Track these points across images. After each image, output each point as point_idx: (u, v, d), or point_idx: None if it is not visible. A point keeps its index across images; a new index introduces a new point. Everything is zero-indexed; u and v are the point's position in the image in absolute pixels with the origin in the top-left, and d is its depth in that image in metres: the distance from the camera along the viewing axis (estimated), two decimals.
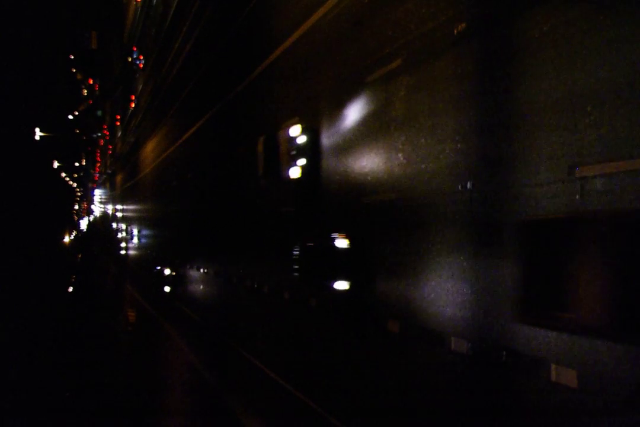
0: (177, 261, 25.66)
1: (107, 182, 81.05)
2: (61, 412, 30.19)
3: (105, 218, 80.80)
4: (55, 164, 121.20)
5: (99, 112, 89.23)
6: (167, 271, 25.25)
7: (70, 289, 77.60)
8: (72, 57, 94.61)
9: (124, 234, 50.44)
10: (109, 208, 74.98)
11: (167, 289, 25.22)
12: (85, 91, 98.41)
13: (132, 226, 45.01)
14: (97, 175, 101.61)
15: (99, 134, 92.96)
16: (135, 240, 41.41)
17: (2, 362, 39.03)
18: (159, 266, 27.75)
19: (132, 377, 28.18)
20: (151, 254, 34.75)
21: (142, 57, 42.87)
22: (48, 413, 30.37)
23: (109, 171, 74.44)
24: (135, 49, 46.37)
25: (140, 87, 43.28)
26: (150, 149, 37.37)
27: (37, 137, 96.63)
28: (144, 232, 39.15)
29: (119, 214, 58.54)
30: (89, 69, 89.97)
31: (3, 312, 51.38)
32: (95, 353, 37.73)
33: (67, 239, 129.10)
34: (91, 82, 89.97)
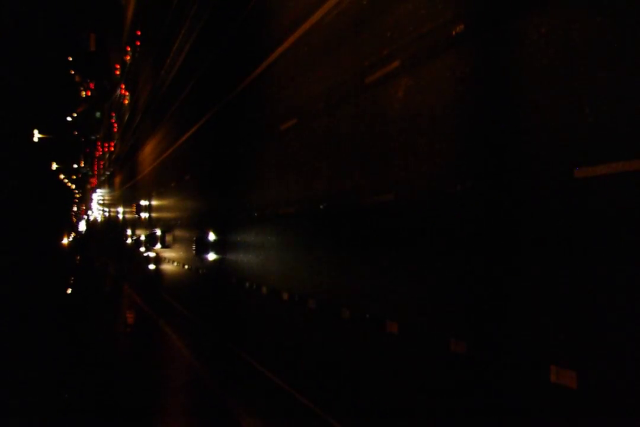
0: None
1: (105, 183, 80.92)
2: (60, 412, 30.27)
3: (112, 223, 65.34)
4: (54, 166, 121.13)
5: (98, 114, 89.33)
6: None
7: (69, 290, 77.56)
8: (71, 58, 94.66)
9: (158, 246, 29.28)
10: (119, 210, 56.24)
11: None
12: (84, 93, 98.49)
13: (203, 232, 20.12)
14: (96, 178, 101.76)
15: (97, 136, 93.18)
16: (210, 256, 19.57)
17: (1, 363, 39.08)
18: None
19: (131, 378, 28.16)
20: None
21: (116, 124, 51.90)
22: (47, 414, 30.43)
23: (107, 173, 74.45)
24: (113, 114, 56.59)
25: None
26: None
27: (35, 139, 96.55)
28: (246, 238, 15.81)
29: (144, 215, 37.28)
30: (87, 70, 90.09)
31: (1, 314, 51.42)
32: (93, 354, 37.72)
33: (65, 241, 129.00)
34: (89, 93, 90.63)
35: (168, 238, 28.10)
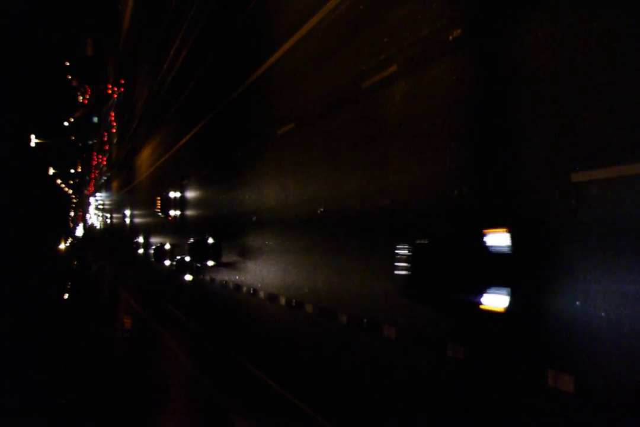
0: None
1: (104, 187, 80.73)
2: (59, 413, 30.45)
3: (115, 229, 56.91)
4: (51, 171, 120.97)
5: (95, 119, 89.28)
6: None
7: (66, 295, 77.33)
8: (68, 63, 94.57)
9: (209, 262, 19.07)
10: (126, 213, 45.86)
11: None
12: (81, 98, 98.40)
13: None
14: (93, 184, 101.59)
15: (94, 141, 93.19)
16: (498, 300, 5.92)
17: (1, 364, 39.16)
18: None
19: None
20: None
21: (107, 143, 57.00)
22: (46, 415, 30.59)
23: (105, 178, 74.32)
24: (105, 133, 63.10)
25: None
26: None
27: (32, 144, 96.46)
28: None
29: (173, 213, 25.40)
30: (84, 76, 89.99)
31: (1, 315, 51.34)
32: (91, 358, 37.62)
33: (62, 246, 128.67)
34: (87, 98, 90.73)
35: (227, 249, 18.01)
